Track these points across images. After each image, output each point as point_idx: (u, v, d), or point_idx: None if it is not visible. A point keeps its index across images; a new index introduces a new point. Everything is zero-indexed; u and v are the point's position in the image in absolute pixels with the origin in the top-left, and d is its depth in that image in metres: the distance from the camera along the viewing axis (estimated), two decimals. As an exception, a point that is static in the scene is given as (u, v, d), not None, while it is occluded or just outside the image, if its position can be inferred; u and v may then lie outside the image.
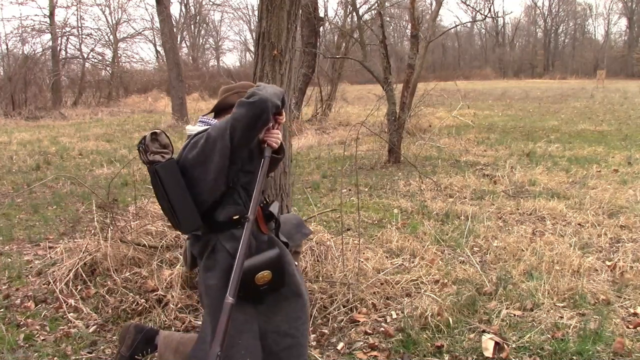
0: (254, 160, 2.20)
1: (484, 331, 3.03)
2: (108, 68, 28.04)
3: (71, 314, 3.38)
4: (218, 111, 2.37)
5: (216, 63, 43.17)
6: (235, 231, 2.15)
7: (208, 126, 2.26)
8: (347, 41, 17.09)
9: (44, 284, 3.84)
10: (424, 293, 3.46)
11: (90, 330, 3.21)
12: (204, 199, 2.13)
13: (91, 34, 33.28)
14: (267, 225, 2.25)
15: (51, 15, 24.62)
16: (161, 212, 2.40)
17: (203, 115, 2.37)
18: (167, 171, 2.10)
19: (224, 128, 2.07)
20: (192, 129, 2.28)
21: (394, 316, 3.28)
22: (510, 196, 6.24)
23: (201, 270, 2.25)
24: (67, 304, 3.48)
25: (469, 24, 54.55)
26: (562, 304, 3.37)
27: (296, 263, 3.11)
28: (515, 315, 3.24)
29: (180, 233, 3.48)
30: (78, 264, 3.78)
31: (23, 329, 3.25)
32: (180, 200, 2.10)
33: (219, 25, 63.19)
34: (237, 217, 2.16)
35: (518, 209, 5.66)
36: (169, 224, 3.87)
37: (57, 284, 3.66)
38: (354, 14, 14.25)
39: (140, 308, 3.31)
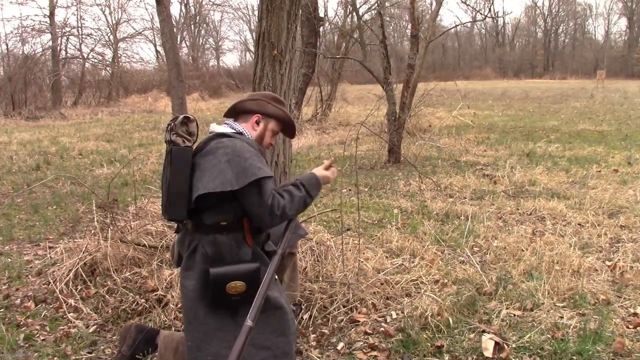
0: None
1: (484, 331, 3.03)
2: (108, 68, 28.05)
3: (71, 314, 3.38)
4: (236, 114, 2.40)
5: (216, 63, 43.26)
6: (219, 236, 2.18)
7: (232, 130, 2.30)
8: (347, 41, 17.10)
9: (44, 284, 3.84)
10: (424, 293, 3.46)
11: (90, 330, 3.21)
12: (198, 197, 2.15)
13: (91, 34, 33.45)
14: (254, 239, 2.25)
15: (51, 15, 24.63)
16: (161, 212, 2.42)
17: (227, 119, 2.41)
18: (180, 156, 2.16)
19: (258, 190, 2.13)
20: (216, 127, 2.32)
21: (394, 316, 3.28)
22: (510, 196, 6.24)
23: (182, 268, 2.27)
24: (67, 304, 3.48)
25: (469, 24, 54.62)
26: (562, 304, 3.37)
27: (294, 262, 3.11)
28: (515, 315, 3.24)
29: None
30: (78, 264, 3.78)
31: (23, 329, 3.25)
32: (177, 187, 2.14)
33: (219, 25, 63.36)
34: (224, 223, 2.18)
35: (518, 209, 5.66)
36: (169, 223, 3.89)
37: (57, 284, 3.66)
38: (354, 14, 14.26)
39: (140, 308, 3.31)
